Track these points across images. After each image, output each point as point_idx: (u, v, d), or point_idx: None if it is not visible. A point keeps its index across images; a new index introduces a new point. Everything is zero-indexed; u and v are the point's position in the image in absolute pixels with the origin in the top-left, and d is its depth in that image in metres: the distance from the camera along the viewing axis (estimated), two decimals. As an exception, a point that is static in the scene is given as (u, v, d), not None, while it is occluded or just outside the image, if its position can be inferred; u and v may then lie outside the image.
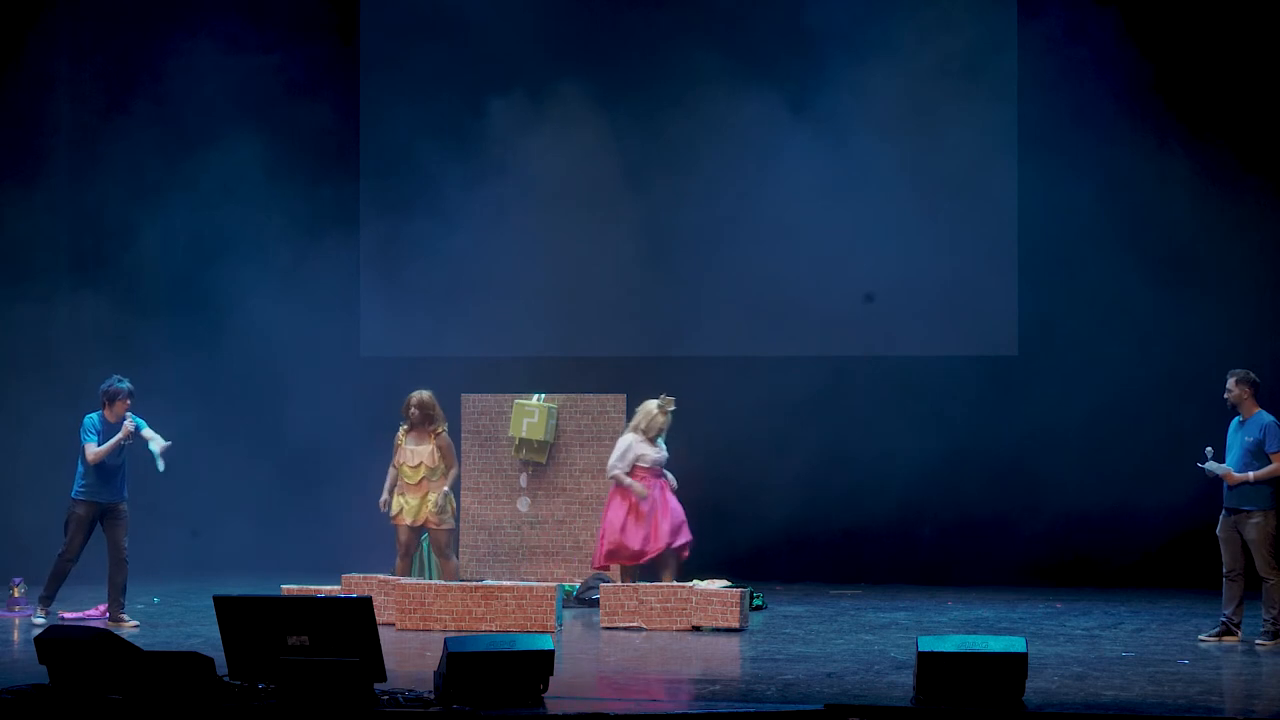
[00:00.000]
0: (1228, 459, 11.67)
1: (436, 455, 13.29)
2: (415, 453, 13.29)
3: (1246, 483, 11.50)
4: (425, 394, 13.43)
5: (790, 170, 16.16)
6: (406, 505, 13.28)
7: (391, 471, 13.39)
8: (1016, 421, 15.89)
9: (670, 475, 13.77)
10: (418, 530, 13.38)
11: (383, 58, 17.24)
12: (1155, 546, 15.55)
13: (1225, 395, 11.74)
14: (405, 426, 13.40)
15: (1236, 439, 11.68)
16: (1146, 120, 15.69)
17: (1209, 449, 11.71)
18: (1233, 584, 11.59)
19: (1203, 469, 11.71)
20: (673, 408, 13.66)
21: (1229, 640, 11.53)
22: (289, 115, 16.84)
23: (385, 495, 13.36)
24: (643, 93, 16.60)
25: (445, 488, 13.31)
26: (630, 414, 14.62)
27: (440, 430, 13.36)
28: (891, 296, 16.22)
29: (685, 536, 13.62)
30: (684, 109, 16.42)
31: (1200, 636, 11.73)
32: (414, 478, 13.27)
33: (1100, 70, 15.79)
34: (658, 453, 13.61)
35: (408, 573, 13.36)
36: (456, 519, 13.84)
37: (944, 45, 15.96)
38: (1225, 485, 11.64)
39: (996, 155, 16.11)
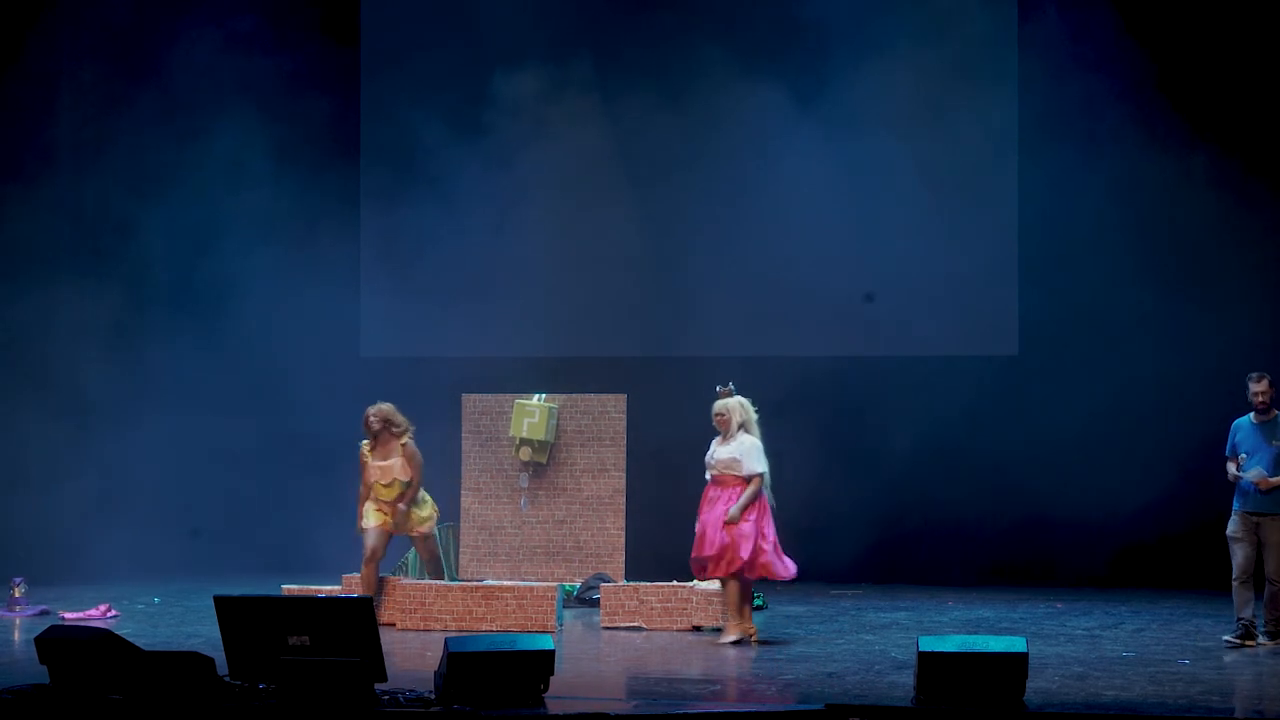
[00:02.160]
0: (1253, 461, 11.37)
1: (405, 466, 12.76)
2: (385, 469, 12.75)
3: None
4: (385, 405, 12.85)
5: (790, 169, 16.16)
6: (387, 522, 12.76)
7: (362, 490, 12.86)
8: (1016, 421, 15.87)
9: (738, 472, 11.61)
10: (388, 535, 12.85)
11: (384, 54, 17.23)
12: (1155, 546, 15.53)
13: (1258, 397, 11.41)
14: (368, 443, 12.84)
15: (1265, 442, 11.39)
16: (1149, 119, 15.69)
17: (1243, 454, 11.47)
18: (1244, 587, 11.43)
19: (1242, 476, 11.39)
20: (722, 388, 11.74)
21: (1250, 645, 11.33)
22: (290, 111, 16.82)
23: (361, 523, 12.78)
24: (644, 90, 16.58)
25: (426, 497, 12.94)
26: (630, 414, 14.62)
27: (406, 440, 12.80)
28: (892, 296, 16.22)
29: (712, 553, 11.54)
30: (686, 106, 16.42)
31: (1225, 638, 11.43)
32: (390, 495, 12.74)
33: (1102, 69, 15.78)
34: (723, 451, 11.62)
35: (374, 580, 12.67)
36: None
37: (945, 43, 15.96)
38: (1247, 488, 11.38)
39: (998, 154, 16.11)
